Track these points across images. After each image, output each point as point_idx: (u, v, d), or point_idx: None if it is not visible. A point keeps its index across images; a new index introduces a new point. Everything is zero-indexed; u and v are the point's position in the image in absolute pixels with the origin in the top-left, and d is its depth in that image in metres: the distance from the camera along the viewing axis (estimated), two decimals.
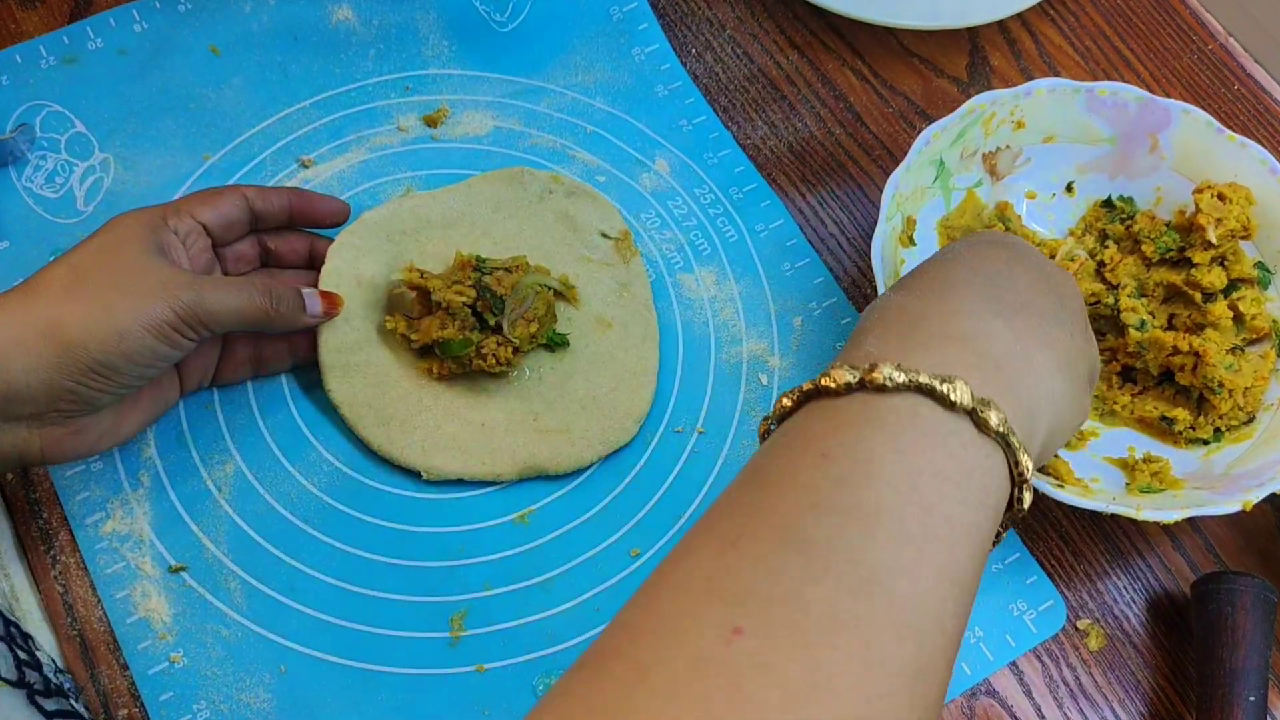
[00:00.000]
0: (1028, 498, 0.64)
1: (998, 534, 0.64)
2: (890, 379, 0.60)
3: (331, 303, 0.90)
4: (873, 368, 0.60)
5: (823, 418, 0.61)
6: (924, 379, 0.60)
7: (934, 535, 0.56)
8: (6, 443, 0.76)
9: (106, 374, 0.77)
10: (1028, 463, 0.62)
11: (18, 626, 0.81)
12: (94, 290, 0.76)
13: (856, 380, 0.61)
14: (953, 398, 0.59)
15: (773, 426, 0.65)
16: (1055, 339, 0.70)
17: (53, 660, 0.83)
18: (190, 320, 0.79)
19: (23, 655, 0.78)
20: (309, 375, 0.94)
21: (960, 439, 0.60)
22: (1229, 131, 0.98)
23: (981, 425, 0.60)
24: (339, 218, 0.95)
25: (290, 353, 0.93)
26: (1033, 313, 0.69)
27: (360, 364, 0.92)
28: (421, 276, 0.91)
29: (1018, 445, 0.61)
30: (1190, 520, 0.95)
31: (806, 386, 0.62)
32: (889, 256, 0.94)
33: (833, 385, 0.61)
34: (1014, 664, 0.89)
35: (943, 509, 0.57)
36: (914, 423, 0.59)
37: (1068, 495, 0.84)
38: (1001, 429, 0.60)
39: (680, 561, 0.56)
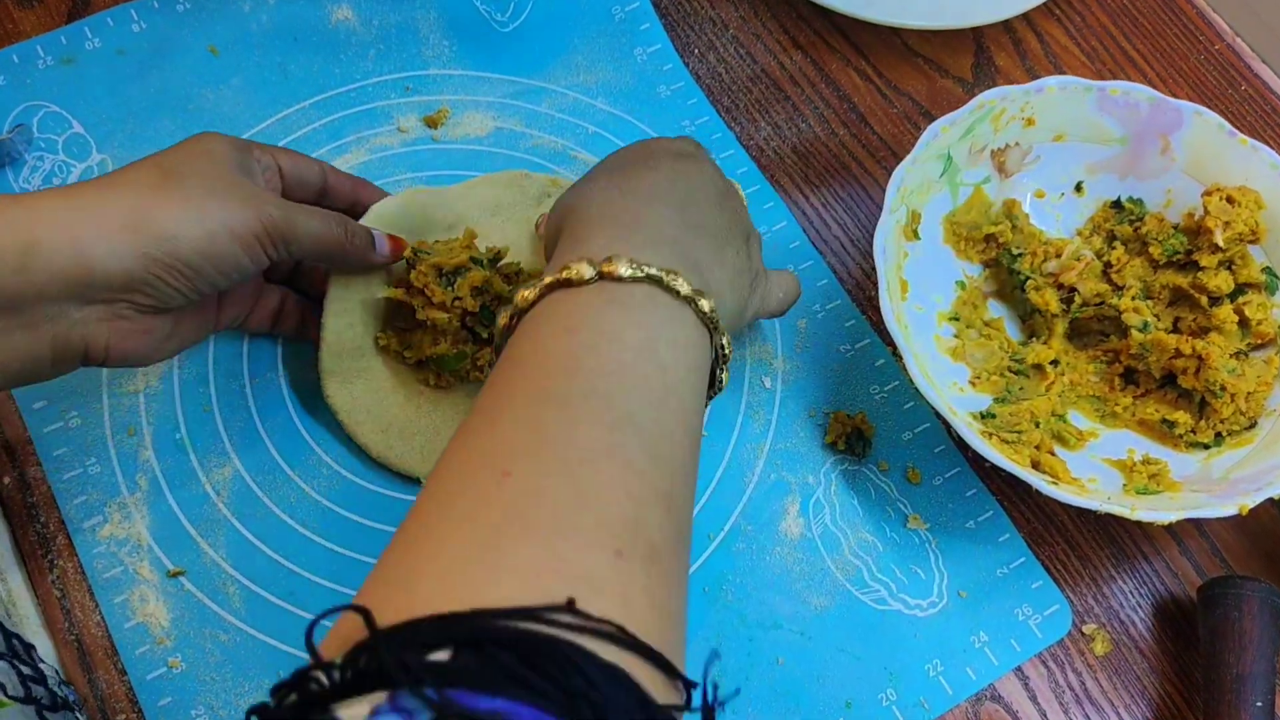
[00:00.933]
0: (725, 377, 0.77)
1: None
2: (628, 272, 0.69)
3: (397, 246, 0.90)
4: (610, 260, 0.69)
5: (566, 304, 0.69)
6: (654, 271, 0.69)
7: (670, 388, 0.67)
8: (77, 334, 0.75)
9: (188, 274, 0.77)
10: (728, 343, 0.75)
11: (19, 639, 0.81)
12: (187, 191, 0.77)
13: (596, 274, 0.69)
14: (677, 288, 0.70)
15: (514, 320, 0.72)
16: (726, 258, 0.80)
17: (56, 671, 0.83)
18: (275, 236, 0.80)
19: (27, 670, 0.78)
20: (307, 377, 0.94)
21: (683, 319, 0.70)
22: (1240, 134, 0.99)
23: (697, 311, 0.71)
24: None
25: (300, 319, 0.93)
26: (714, 233, 0.79)
27: (359, 370, 0.92)
28: (408, 291, 0.91)
29: (722, 329, 0.73)
30: (1196, 524, 0.95)
31: (549, 279, 0.70)
32: (892, 249, 0.94)
33: (575, 278, 0.69)
34: (1019, 669, 0.89)
35: (675, 370, 0.68)
36: (649, 305, 0.69)
37: (1061, 493, 0.85)
38: (712, 315, 0.71)
39: (457, 445, 0.63)
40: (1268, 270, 0.98)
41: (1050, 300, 0.97)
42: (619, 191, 0.78)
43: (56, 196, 0.74)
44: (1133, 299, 0.97)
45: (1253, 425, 0.94)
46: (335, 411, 0.91)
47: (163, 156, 0.79)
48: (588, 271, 0.69)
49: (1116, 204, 1.03)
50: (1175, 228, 1.00)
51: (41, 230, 0.72)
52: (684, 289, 0.70)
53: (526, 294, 0.70)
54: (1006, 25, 1.17)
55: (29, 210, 0.72)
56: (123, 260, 0.74)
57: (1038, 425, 0.93)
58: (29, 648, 0.82)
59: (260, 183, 0.84)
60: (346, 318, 0.91)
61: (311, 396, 0.94)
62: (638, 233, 0.74)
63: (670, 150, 0.83)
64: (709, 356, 0.73)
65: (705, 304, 0.71)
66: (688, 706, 0.56)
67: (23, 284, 0.72)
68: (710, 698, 0.56)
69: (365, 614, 0.50)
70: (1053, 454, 0.91)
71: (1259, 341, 0.96)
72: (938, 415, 0.94)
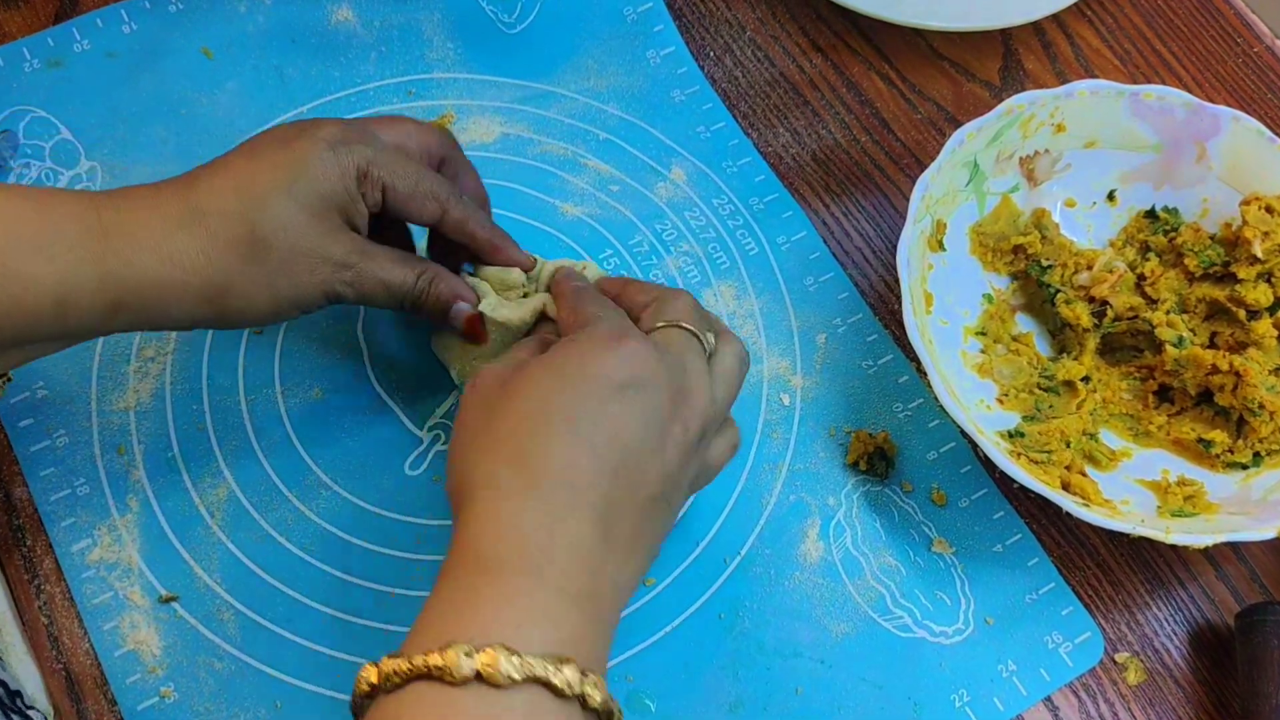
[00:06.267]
0: None
1: None
2: (509, 672, 0.61)
3: (475, 332, 0.87)
4: (490, 653, 0.61)
5: (435, 708, 0.62)
6: (538, 670, 0.62)
7: None
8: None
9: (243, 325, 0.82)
10: (620, 716, 0.67)
11: (5, 686, 0.81)
12: (269, 269, 0.79)
13: (473, 673, 0.61)
14: (563, 687, 0.62)
15: (366, 701, 0.65)
16: (651, 531, 0.74)
17: (45, 717, 0.84)
18: (338, 296, 0.82)
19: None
20: (305, 392, 0.95)
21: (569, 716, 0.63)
22: None
23: (586, 709, 0.64)
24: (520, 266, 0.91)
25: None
26: (646, 515, 0.72)
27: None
28: None
29: (616, 711, 0.66)
30: (1234, 548, 0.95)
31: (416, 661, 0.62)
32: (916, 261, 0.94)
33: (447, 673, 0.61)
34: (1049, 699, 0.90)
35: None
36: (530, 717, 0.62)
37: (1093, 515, 0.85)
38: (602, 709, 0.65)
39: None
40: None
41: (1081, 314, 0.98)
42: (529, 474, 0.69)
43: (149, 242, 0.77)
44: (1167, 313, 0.97)
45: None
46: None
47: (263, 210, 0.78)
48: (464, 666, 0.61)
49: (1150, 214, 1.03)
50: (1212, 238, 1.01)
51: (130, 296, 0.76)
52: (572, 685, 0.63)
53: (392, 667, 0.63)
54: (1036, 27, 1.17)
55: (125, 264, 0.76)
56: (188, 319, 0.79)
57: (1068, 445, 0.93)
58: (15, 695, 0.82)
59: (360, 219, 0.83)
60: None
61: (310, 413, 0.95)
62: (548, 565, 0.67)
63: (611, 383, 0.72)
64: None
65: (596, 695, 0.64)
66: None
67: (99, 331, 0.79)
68: None
69: None
70: (1084, 475, 0.92)
71: None
72: (964, 434, 0.95)
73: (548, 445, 0.69)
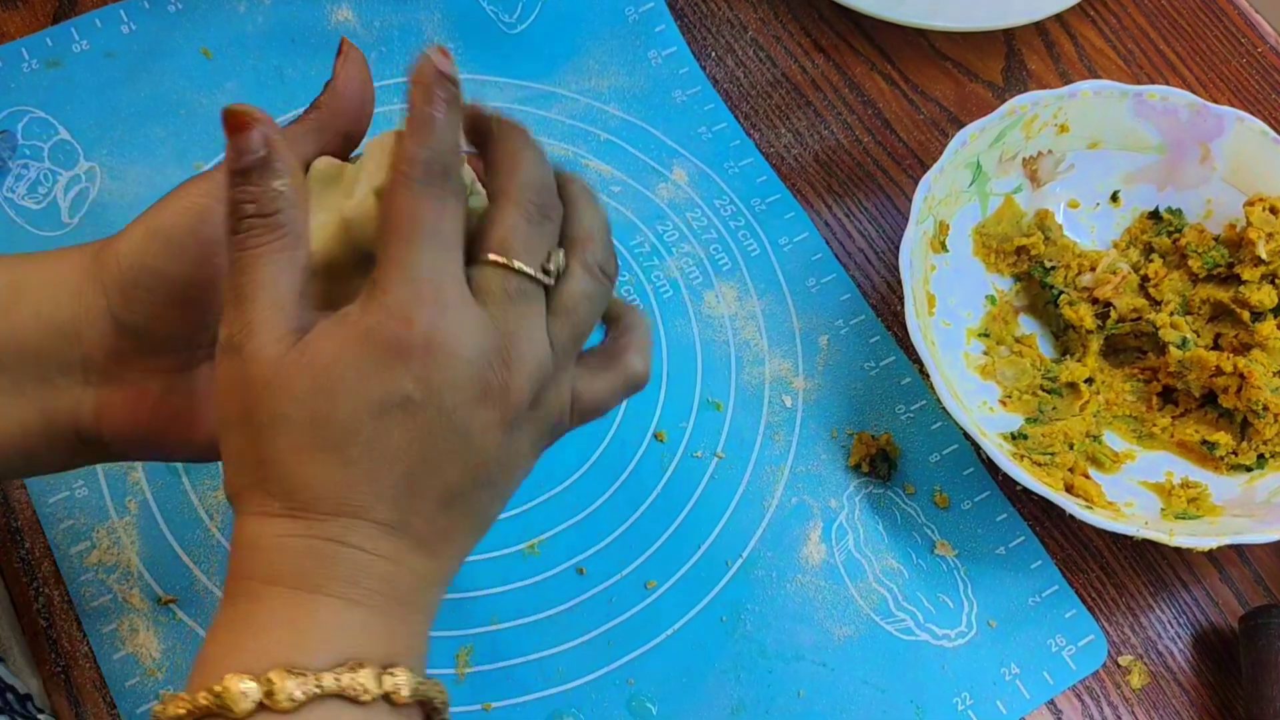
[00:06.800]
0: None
1: None
2: (297, 693, 0.56)
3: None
4: (272, 680, 0.56)
5: None
6: (330, 681, 0.57)
7: None
8: (64, 401, 0.70)
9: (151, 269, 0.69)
10: (443, 699, 0.62)
11: (14, 692, 0.82)
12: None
13: (254, 705, 0.56)
14: (360, 693, 0.57)
15: None
16: (472, 505, 0.64)
17: None
18: None
19: None
20: None
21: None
22: None
23: (395, 701, 0.59)
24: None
25: None
26: (449, 494, 0.63)
27: None
28: None
29: (436, 696, 0.61)
30: (1238, 550, 0.95)
31: (199, 699, 0.56)
32: (918, 262, 0.94)
33: (230, 710, 0.56)
34: (1052, 702, 0.90)
35: None
36: None
37: (1096, 517, 0.85)
38: (416, 693, 0.60)
39: None
40: None
41: (1085, 315, 0.98)
42: (293, 503, 0.60)
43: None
44: (1171, 314, 0.97)
45: None
46: None
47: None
48: (245, 698, 0.56)
49: (1154, 215, 1.03)
50: (1216, 239, 1.01)
51: (23, 274, 0.70)
52: (369, 688, 0.57)
53: (174, 710, 0.57)
54: (1039, 27, 1.17)
55: (13, 259, 0.71)
56: (91, 294, 0.69)
57: (1071, 447, 0.94)
58: (25, 699, 0.82)
59: None
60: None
61: None
62: (328, 581, 0.59)
63: (390, 401, 0.59)
64: None
65: (403, 689, 0.59)
66: None
67: (3, 330, 0.69)
68: None
69: None
70: (1087, 477, 0.92)
71: None
72: (967, 436, 0.95)
73: (312, 474, 0.59)
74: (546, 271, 0.64)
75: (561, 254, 0.65)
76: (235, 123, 0.61)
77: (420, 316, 0.59)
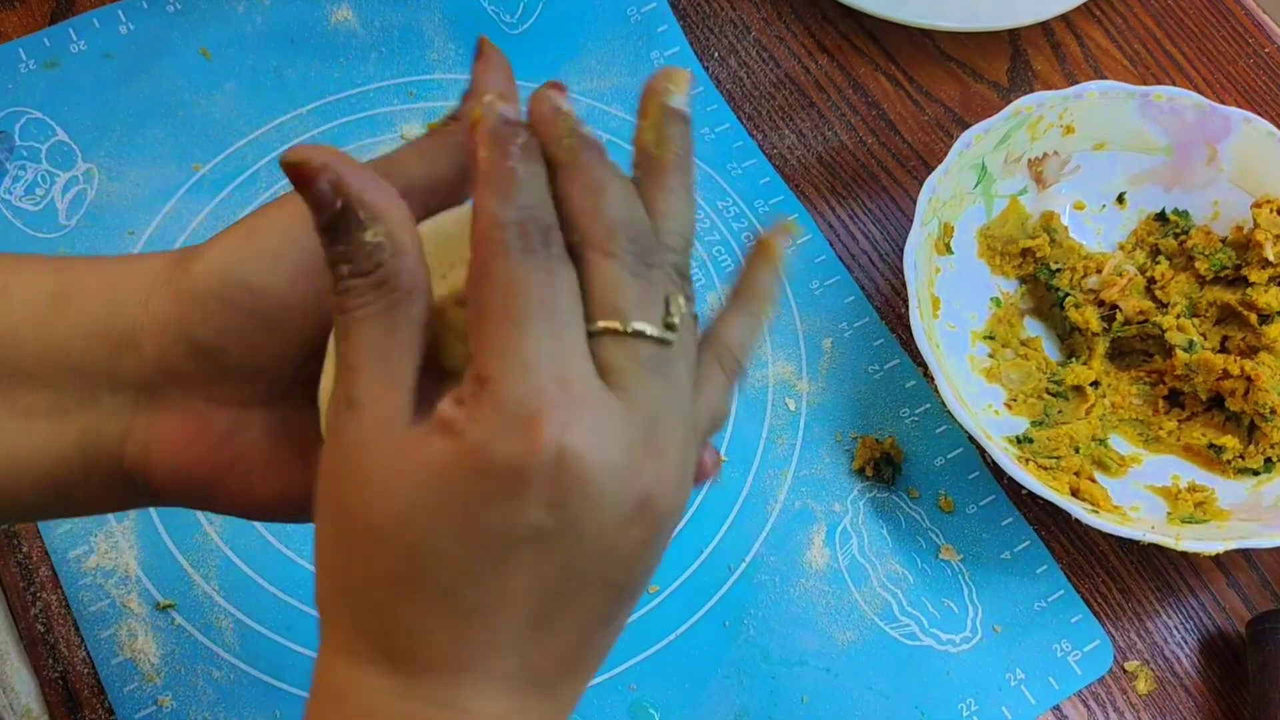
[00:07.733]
0: None
1: None
2: None
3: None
4: None
5: None
6: None
7: None
8: (110, 427, 0.59)
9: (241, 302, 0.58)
10: None
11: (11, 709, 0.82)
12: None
13: None
14: None
15: None
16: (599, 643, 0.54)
17: None
18: None
19: None
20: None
21: None
22: None
23: None
24: None
25: None
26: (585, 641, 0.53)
27: None
28: None
29: None
30: (1245, 555, 0.95)
31: None
32: (923, 264, 0.94)
33: None
34: (1057, 708, 0.90)
35: None
36: None
37: (1102, 522, 0.85)
38: None
39: None
40: None
41: (1090, 318, 0.98)
42: (392, 656, 0.50)
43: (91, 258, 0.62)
44: (1178, 317, 0.97)
45: None
46: None
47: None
48: None
49: (1161, 216, 1.03)
50: (1223, 241, 1.01)
51: (73, 277, 0.59)
52: None
53: None
54: (1044, 27, 1.17)
55: (63, 260, 0.61)
56: (160, 301, 0.58)
57: (1077, 450, 0.94)
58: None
59: None
60: None
61: None
62: None
63: (514, 535, 0.48)
64: None
65: None
66: None
67: (45, 338, 0.58)
68: None
69: None
70: (1093, 480, 0.92)
71: None
72: (972, 440, 0.95)
73: (412, 618, 0.49)
74: (670, 327, 0.51)
75: (681, 297, 0.52)
76: (297, 175, 0.52)
77: (547, 421, 0.47)
